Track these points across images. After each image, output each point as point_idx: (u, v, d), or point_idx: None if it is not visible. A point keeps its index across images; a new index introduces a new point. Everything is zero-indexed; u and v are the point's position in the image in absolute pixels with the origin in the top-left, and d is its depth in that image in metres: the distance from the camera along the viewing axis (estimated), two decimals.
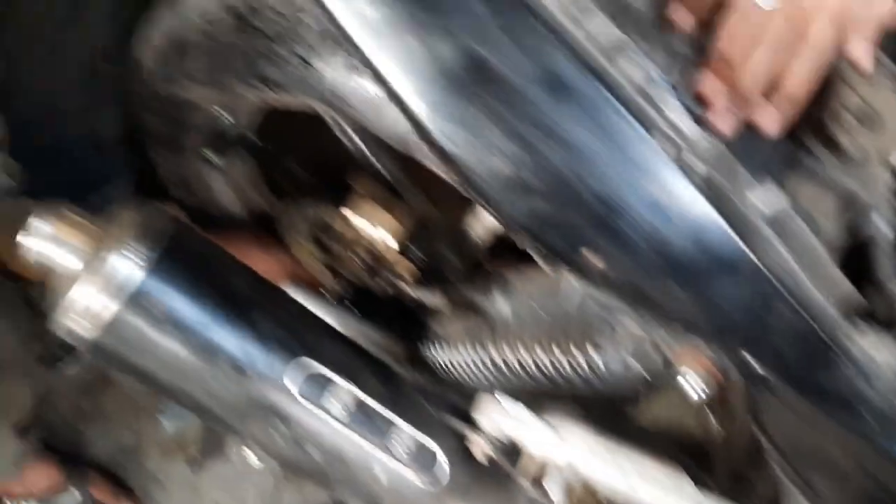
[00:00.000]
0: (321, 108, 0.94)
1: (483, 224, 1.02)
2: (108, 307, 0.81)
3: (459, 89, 0.55)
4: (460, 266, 1.12)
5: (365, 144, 1.12)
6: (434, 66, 0.55)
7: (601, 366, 0.79)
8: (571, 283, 0.73)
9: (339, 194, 1.12)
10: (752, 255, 0.59)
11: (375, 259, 1.06)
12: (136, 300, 0.82)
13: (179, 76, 1.03)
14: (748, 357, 0.69)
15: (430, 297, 1.03)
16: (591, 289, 0.72)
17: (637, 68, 0.55)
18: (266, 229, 1.35)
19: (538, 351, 0.84)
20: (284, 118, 1.24)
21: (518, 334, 0.85)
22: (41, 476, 1.39)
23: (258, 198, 1.40)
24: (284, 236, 1.32)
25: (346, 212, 1.07)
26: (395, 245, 1.05)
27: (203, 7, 0.97)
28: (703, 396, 0.70)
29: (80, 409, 1.57)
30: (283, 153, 1.27)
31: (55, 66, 1.25)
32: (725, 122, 0.62)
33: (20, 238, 0.84)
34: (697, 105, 0.63)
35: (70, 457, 1.47)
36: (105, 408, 1.57)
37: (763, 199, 0.59)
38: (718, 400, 0.84)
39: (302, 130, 1.28)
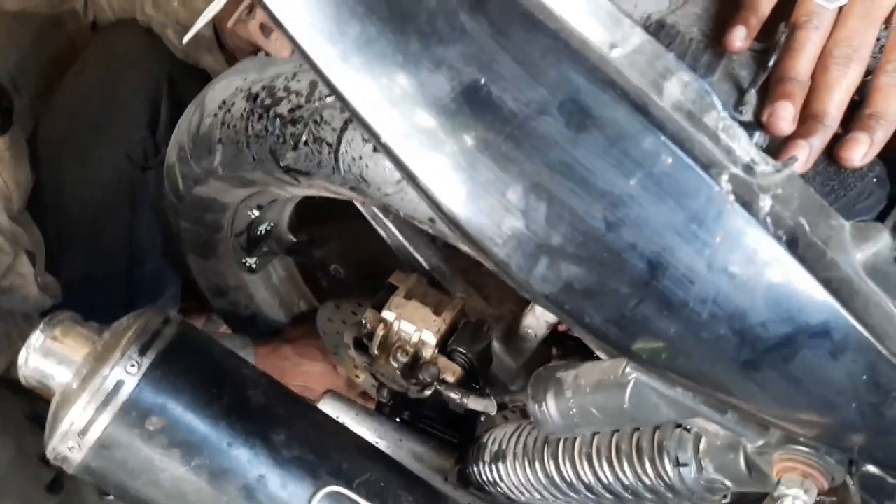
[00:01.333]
0: (348, 196, 0.85)
1: (535, 314, 0.89)
2: (96, 422, 0.71)
3: (452, 125, 0.44)
4: (511, 363, 0.99)
5: (403, 235, 1.03)
6: (419, 98, 0.44)
7: (678, 481, 0.64)
8: (632, 378, 0.58)
9: (380, 296, 1.01)
10: (857, 324, 0.44)
11: (415, 359, 0.94)
12: (128, 411, 0.71)
13: (205, 175, 0.96)
14: (860, 458, 0.53)
15: (477, 402, 0.89)
16: (657, 382, 0.58)
17: (683, 88, 0.43)
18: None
19: (605, 467, 0.70)
20: (321, 215, 1.17)
21: (581, 449, 0.71)
22: None
23: (301, 302, 1.32)
24: (325, 344, 1.22)
25: (387, 314, 0.96)
26: (433, 342, 0.92)
27: (222, 96, 0.91)
28: None
29: None
30: (321, 253, 1.18)
31: (87, 175, 1.23)
32: (802, 153, 0.49)
33: (21, 355, 0.77)
34: (765, 134, 0.51)
35: None
36: None
37: (861, 244, 0.44)
38: None
39: (340, 228, 1.20)
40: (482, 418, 1.05)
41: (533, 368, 1.04)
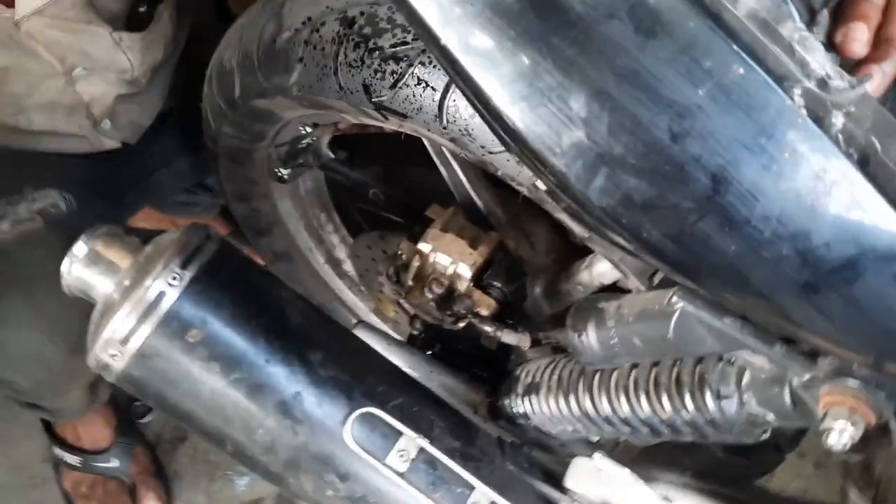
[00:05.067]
0: (442, 143, 0.82)
1: (591, 273, 0.88)
2: (137, 331, 0.72)
3: (514, 28, 0.42)
4: (549, 310, 0.99)
5: (466, 176, 0.98)
6: (485, 1, 0.42)
7: (718, 415, 0.63)
8: (678, 307, 0.58)
9: (414, 226, 1.01)
10: None
11: (449, 291, 0.94)
12: (168, 322, 0.72)
13: (274, 91, 0.91)
14: None
15: (510, 336, 0.89)
16: (703, 312, 0.57)
17: None
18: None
19: (643, 400, 0.69)
20: (363, 135, 1.14)
21: (618, 381, 0.70)
22: (94, 428, 1.38)
23: (322, 216, 1.31)
24: (354, 269, 1.22)
25: (423, 245, 0.96)
26: (469, 275, 0.92)
27: (306, 12, 0.84)
28: (849, 445, 0.53)
29: None
30: (359, 175, 1.16)
31: None
32: (875, 78, 0.47)
33: (63, 264, 0.77)
34: (836, 56, 0.49)
35: (130, 429, 1.46)
36: (177, 464, 1.50)
37: None
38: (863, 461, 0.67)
39: (381, 152, 1.18)
40: (513, 354, 1.05)
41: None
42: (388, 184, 1.14)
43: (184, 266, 0.74)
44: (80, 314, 0.99)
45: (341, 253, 1.34)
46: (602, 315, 0.67)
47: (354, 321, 1.18)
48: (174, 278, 0.73)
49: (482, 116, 0.46)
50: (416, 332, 1.04)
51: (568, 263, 0.97)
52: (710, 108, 0.42)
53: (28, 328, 1.02)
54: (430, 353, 1.06)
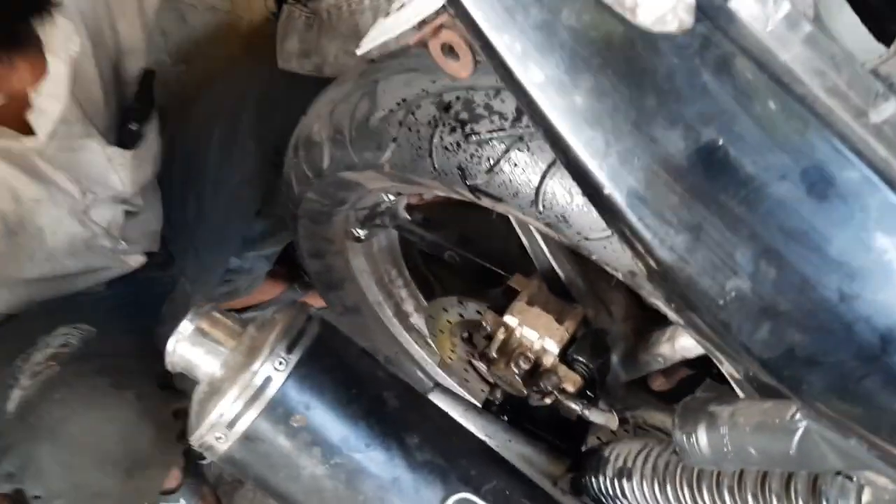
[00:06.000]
0: (524, 219, 0.82)
1: (674, 346, 0.88)
2: (244, 416, 0.73)
3: (681, 185, 0.43)
4: (625, 377, 0.99)
5: (548, 247, 0.98)
6: (653, 157, 0.43)
7: None
8: (802, 425, 0.57)
9: (499, 299, 1.01)
10: None
11: (535, 366, 0.94)
12: (274, 407, 0.73)
13: (364, 166, 0.91)
14: None
15: (598, 415, 0.89)
16: (830, 432, 0.57)
17: None
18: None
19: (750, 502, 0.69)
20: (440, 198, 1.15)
21: (722, 479, 0.70)
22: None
23: (393, 272, 1.32)
24: (427, 327, 1.22)
25: (509, 319, 0.96)
26: (556, 351, 0.92)
27: (402, 94, 0.85)
28: None
29: None
30: (434, 237, 1.17)
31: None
32: None
33: (170, 342, 0.78)
34: None
35: (196, 468, 1.49)
36: None
37: None
38: None
39: (458, 215, 1.19)
40: (592, 427, 1.05)
41: (642, 384, 1.05)
42: (464, 246, 1.14)
43: (289, 350, 0.75)
44: (118, 437, 1.02)
45: (409, 306, 1.35)
46: (714, 419, 0.67)
47: (431, 385, 1.18)
48: (280, 363, 0.74)
49: (645, 262, 0.46)
50: (493, 400, 1.04)
51: (646, 330, 0.97)
52: (882, 272, 0.42)
53: (76, 471, 1.04)
54: (506, 418, 1.07)
